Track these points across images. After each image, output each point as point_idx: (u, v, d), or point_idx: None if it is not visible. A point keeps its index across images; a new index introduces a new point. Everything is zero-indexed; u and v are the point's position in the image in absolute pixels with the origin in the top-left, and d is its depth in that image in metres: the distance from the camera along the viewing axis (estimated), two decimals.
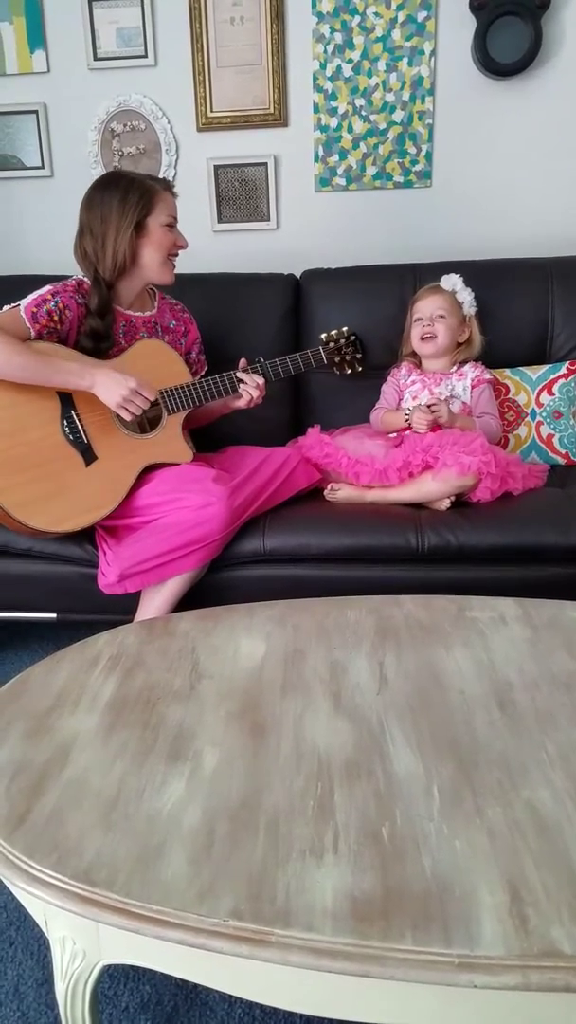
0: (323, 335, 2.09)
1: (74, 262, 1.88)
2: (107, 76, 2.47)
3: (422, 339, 2.12)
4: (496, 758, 1.00)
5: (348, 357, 2.10)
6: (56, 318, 1.76)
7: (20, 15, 2.44)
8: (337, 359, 2.09)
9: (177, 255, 1.91)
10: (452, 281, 2.14)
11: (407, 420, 2.01)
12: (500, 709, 1.11)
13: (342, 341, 2.09)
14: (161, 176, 2.52)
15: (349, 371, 2.12)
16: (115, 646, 1.33)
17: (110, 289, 1.85)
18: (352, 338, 2.10)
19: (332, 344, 2.08)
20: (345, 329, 2.10)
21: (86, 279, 1.86)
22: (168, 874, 0.83)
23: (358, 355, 2.12)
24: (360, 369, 2.13)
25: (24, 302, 1.75)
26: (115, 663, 1.27)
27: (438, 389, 2.12)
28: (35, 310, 1.73)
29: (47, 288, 1.79)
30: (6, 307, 1.75)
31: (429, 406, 1.99)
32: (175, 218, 1.87)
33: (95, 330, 1.82)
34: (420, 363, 2.20)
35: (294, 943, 0.75)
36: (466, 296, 2.14)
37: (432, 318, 2.11)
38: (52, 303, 1.76)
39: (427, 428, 1.97)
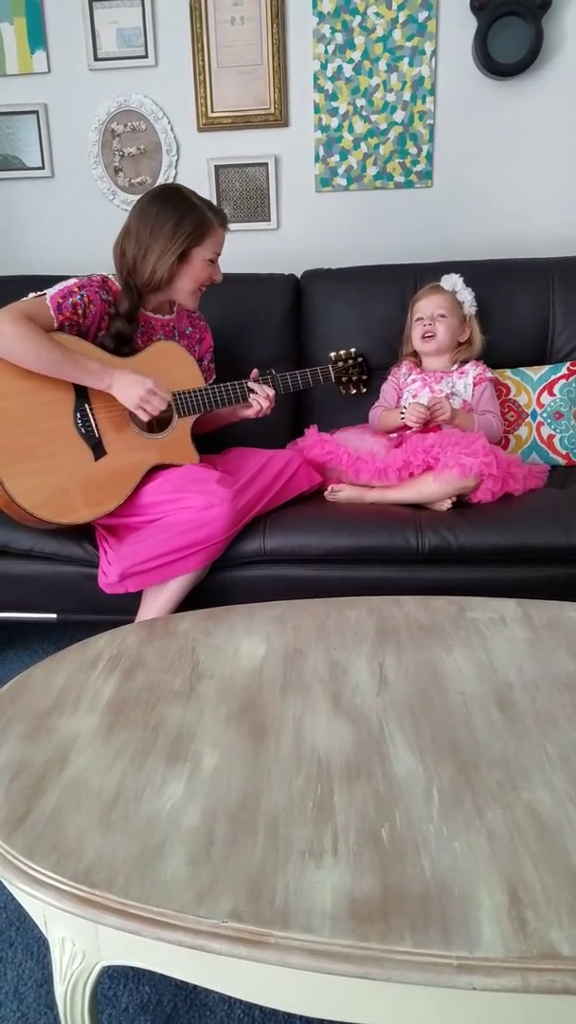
0: (332, 354, 2.10)
1: (76, 261, 1.88)
2: (108, 76, 2.48)
3: (423, 338, 2.12)
4: (496, 759, 1.00)
5: (354, 378, 2.13)
6: (80, 312, 1.76)
7: (21, 15, 2.44)
8: (344, 379, 2.11)
9: (208, 286, 1.92)
10: (453, 281, 2.14)
11: (402, 416, 2.01)
12: (500, 710, 1.11)
13: (350, 362, 2.11)
14: (161, 176, 2.52)
15: (354, 391, 2.15)
16: (115, 646, 1.33)
17: (140, 296, 1.86)
18: (359, 360, 2.12)
19: (341, 364, 2.10)
20: (353, 351, 2.12)
21: (111, 276, 1.86)
22: (167, 875, 0.83)
23: (363, 377, 2.14)
24: (364, 391, 2.15)
25: (50, 292, 1.75)
26: (115, 663, 1.27)
27: (438, 387, 2.12)
28: (61, 301, 1.74)
29: (73, 280, 1.79)
30: (32, 294, 1.75)
31: (430, 407, 1.98)
32: (219, 254, 1.88)
33: (121, 333, 1.82)
34: (421, 362, 2.20)
35: (293, 944, 0.75)
36: (467, 296, 2.14)
37: (433, 317, 2.11)
38: (78, 296, 1.76)
39: (419, 423, 1.96)
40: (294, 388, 2.02)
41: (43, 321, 1.72)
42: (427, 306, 2.13)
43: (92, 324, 1.81)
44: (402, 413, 2.01)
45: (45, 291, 1.75)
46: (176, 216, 1.80)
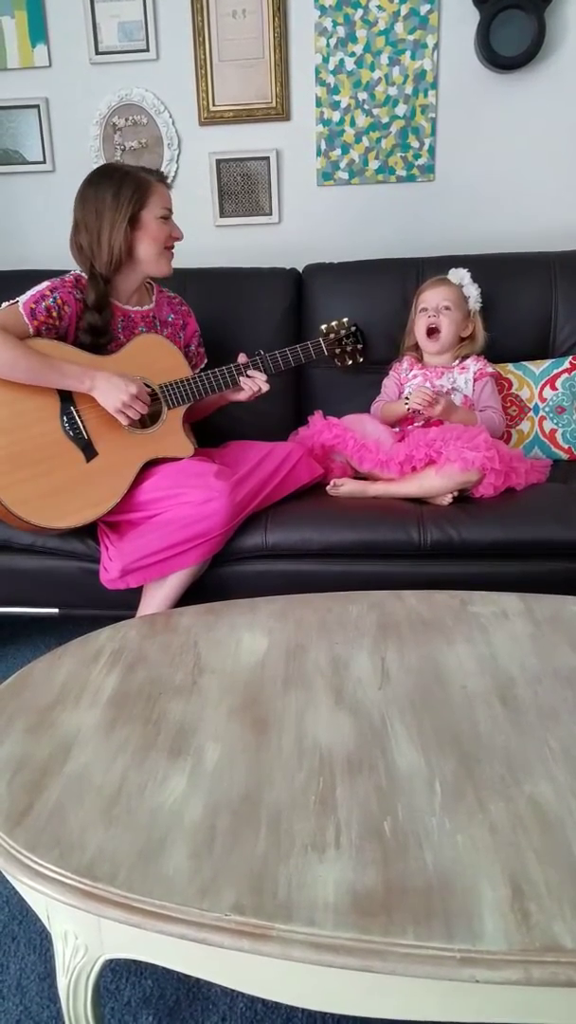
0: (323, 326, 2.08)
1: (73, 258, 1.87)
2: (109, 70, 2.47)
3: (427, 330, 2.11)
4: (498, 753, 1.00)
5: (349, 348, 2.09)
6: (55, 314, 1.76)
7: (22, 9, 2.43)
8: (337, 350, 2.08)
9: (173, 246, 1.90)
10: (460, 275, 2.13)
11: (407, 404, 2.00)
12: (502, 704, 1.11)
13: (342, 332, 2.08)
14: (163, 169, 2.51)
15: (350, 362, 2.11)
16: (117, 641, 1.33)
17: (107, 284, 1.84)
18: (353, 329, 2.09)
19: (332, 335, 2.06)
20: (346, 320, 2.09)
21: (84, 274, 1.85)
22: (170, 869, 0.83)
23: (359, 346, 2.10)
24: (361, 360, 2.12)
25: (22, 299, 1.75)
26: (117, 658, 1.27)
27: (440, 382, 2.11)
28: (33, 306, 1.73)
29: (45, 284, 1.79)
30: (5, 304, 1.75)
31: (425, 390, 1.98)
32: (170, 210, 1.87)
33: (93, 325, 1.82)
34: (422, 357, 2.19)
35: (295, 938, 0.75)
36: (472, 291, 2.13)
37: (438, 309, 2.10)
38: (51, 299, 1.76)
39: (425, 404, 1.95)
40: (284, 367, 1.99)
41: (18, 329, 1.71)
42: (433, 297, 2.11)
43: (70, 325, 1.80)
44: (406, 401, 2.01)
45: (17, 299, 1.75)
46: (113, 187, 1.79)
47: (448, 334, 2.10)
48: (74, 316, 1.80)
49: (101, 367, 1.78)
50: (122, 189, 1.79)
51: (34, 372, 1.71)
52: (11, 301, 1.75)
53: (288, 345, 2.04)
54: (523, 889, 0.79)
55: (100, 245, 1.81)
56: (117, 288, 1.88)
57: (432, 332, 2.10)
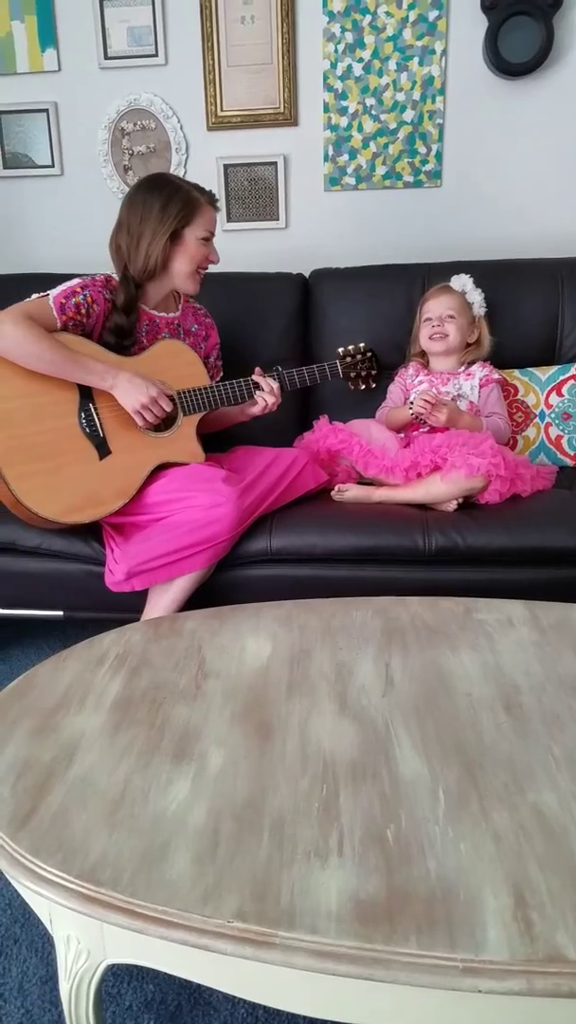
0: (340, 349, 2.08)
1: (86, 259, 1.89)
2: (118, 75, 2.48)
3: (431, 339, 2.12)
4: (502, 761, 1.00)
5: (364, 373, 2.10)
6: (83, 311, 1.77)
7: (32, 14, 2.44)
8: (352, 374, 2.09)
9: (207, 268, 1.92)
10: (462, 281, 2.14)
11: (411, 410, 2.00)
12: (507, 712, 1.10)
13: (359, 356, 2.09)
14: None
15: (363, 387, 2.12)
16: (121, 645, 1.33)
17: (138, 288, 1.86)
18: (369, 355, 2.10)
19: (349, 359, 2.08)
20: (362, 345, 2.10)
21: (114, 275, 1.87)
22: (173, 874, 0.83)
23: (373, 372, 2.12)
24: (374, 386, 2.13)
25: (53, 292, 1.76)
26: (121, 662, 1.27)
27: (445, 388, 2.11)
28: (64, 301, 1.75)
29: (76, 281, 1.80)
30: (35, 295, 1.76)
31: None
32: (212, 233, 1.88)
33: (120, 326, 1.83)
34: (428, 363, 2.19)
35: (298, 945, 0.75)
36: (476, 297, 2.13)
37: (442, 318, 2.10)
38: (81, 296, 1.77)
39: (427, 409, 1.95)
40: (301, 385, 2.01)
41: (46, 322, 1.72)
42: (436, 307, 2.12)
43: (96, 324, 1.81)
44: (410, 406, 2.01)
45: (48, 292, 1.76)
46: (163, 199, 1.80)
47: (453, 339, 2.10)
48: (101, 315, 1.81)
49: (124, 367, 1.79)
50: (171, 203, 1.80)
51: (58, 365, 1.72)
52: (42, 293, 1.76)
53: (294, 349, 2.05)
54: (526, 898, 0.78)
55: (138, 250, 1.82)
56: (146, 293, 1.89)
57: (437, 339, 2.11)
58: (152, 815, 0.92)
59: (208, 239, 1.87)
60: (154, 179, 1.88)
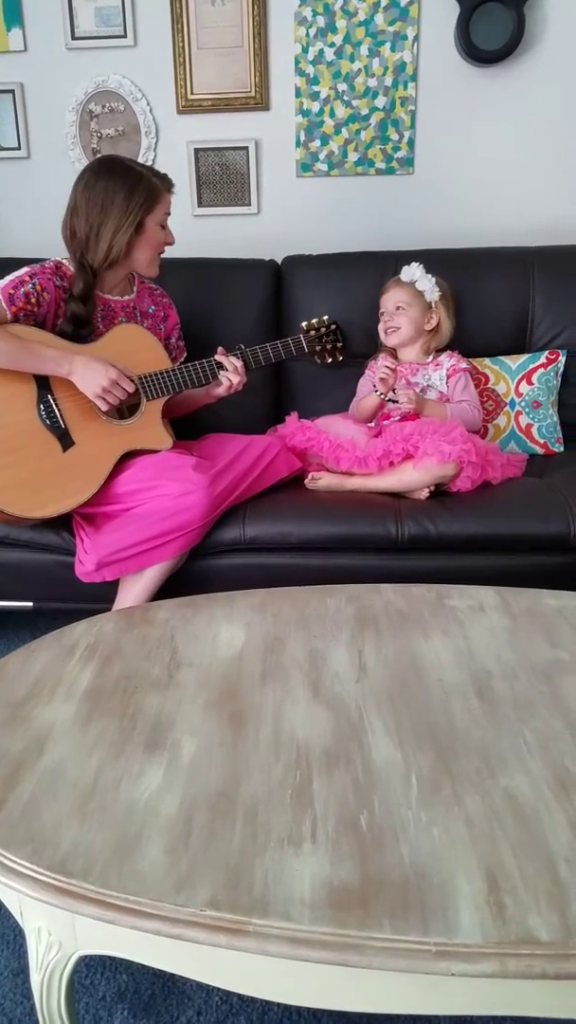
0: (304, 323, 2.07)
1: (53, 243, 1.85)
2: (85, 56, 2.43)
3: (386, 333, 2.14)
4: (474, 746, 1.00)
5: (328, 346, 2.09)
6: (33, 300, 1.73)
7: None
8: (318, 347, 2.07)
9: (164, 250, 1.90)
10: (411, 272, 2.13)
11: (375, 392, 2.03)
12: (479, 697, 1.11)
13: (323, 330, 2.07)
14: (140, 159, 2.49)
15: (330, 360, 2.11)
16: (92, 635, 1.32)
17: (95, 276, 1.82)
18: (333, 327, 2.09)
19: (313, 332, 2.06)
20: (326, 318, 2.09)
21: (64, 262, 1.83)
22: (145, 864, 0.82)
23: (339, 344, 2.11)
24: (340, 359, 2.12)
25: (0, 283, 1.72)
26: (92, 652, 1.26)
27: (414, 379, 2.12)
28: (12, 292, 1.71)
29: (25, 270, 1.76)
30: None
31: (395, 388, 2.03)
32: (168, 214, 1.86)
33: (77, 315, 1.80)
34: (396, 354, 2.20)
35: (272, 933, 0.75)
36: (426, 284, 2.12)
37: (392, 312, 2.12)
38: (30, 285, 1.73)
39: (388, 386, 2.00)
40: (265, 362, 1.98)
41: None
42: (387, 300, 2.14)
43: (48, 312, 1.78)
44: (375, 390, 2.03)
45: None
46: (125, 188, 1.77)
47: (406, 331, 2.11)
48: (53, 303, 1.78)
49: (80, 352, 1.76)
50: (135, 192, 1.77)
51: (11, 356, 1.68)
52: None
53: (266, 337, 2.03)
54: (499, 882, 0.79)
55: (99, 240, 1.78)
56: (103, 280, 1.86)
57: (391, 332, 2.13)
58: (124, 805, 0.91)
59: (165, 223, 1.85)
60: (111, 164, 1.82)
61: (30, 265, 1.79)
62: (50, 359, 1.72)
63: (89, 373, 1.72)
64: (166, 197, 1.83)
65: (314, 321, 2.07)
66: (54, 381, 1.76)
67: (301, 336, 2.04)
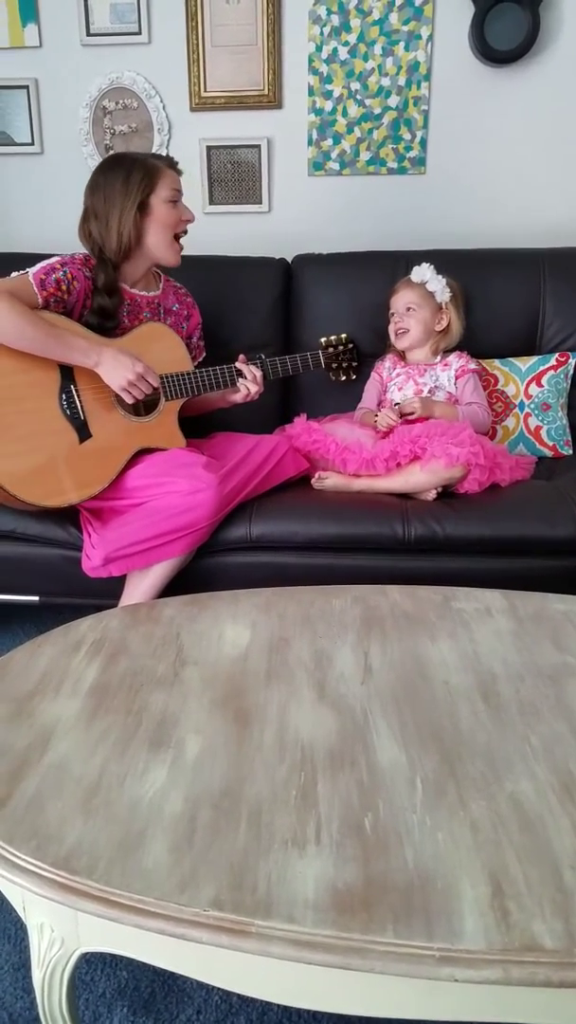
0: (323, 339, 2.08)
1: (65, 239, 1.86)
2: (100, 52, 2.43)
3: (396, 334, 2.13)
4: (480, 750, 1.00)
5: (344, 364, 2.12)
6: (64, 288, 1.74)
7: None
8: (334, 365, 2.10)
9: (185, 232, 1.89)
10: (422, 272, 2.13)
11: (375, 421, 2.03)
12: (484, 701, 1.11)
13: (340, 348, 2.10)
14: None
15: (344, 378, 2.14)
16: (98, 631, 1.32)
17: (116, 270, 1.83)
18: (351, 346, 2.11)
19: (331, 349, 2.08)
20: (344, 336, 2.11)
21: (92, 257, 1.84)
22: (149, 862, 0.82)
23: (354, 363, 2.12)
24: (355, 377, 2.14)
25: (33, 269, 1.73)
26: (98, 648, 1.26)
27: (422, 380, 2.12)
28: (44, 277, 1.72)
29: (56, 258, 1.77)
30: (15, 273, 1.73)
31: (398, 404, 2.02)
32: (179, 192, 1.85)
33: (103, 308, 1.80)
34: (404, 355, 2.19)
35: (274, 934, 0.75)
36: (437, 285, 2.12)
37: (403, 313, 2.11)
38: (61, 272, 1.74)
39: (387, 427, 2.00)
40: (283, 374, 2.01)
41: (27, 298, 1.69)
42: (397, 301, 2.14)
43: (77, 302, 1.78)
44: (375, 417, 2.04)
45: (27, 269, 1.73)
46: (123, 174, 1.79)
47: (416, 332, 2.11)
48: (82, 293, 1.78)
49: (108, 344, 1.76)
50: (131, 175, 1.78)
51: (40, 342, 1.68)
52: (21, 271, 1.73)
53: (276, 335, 2.03)
54: (503, 888, 0.79)
55: (109, 231, 1.79)
56: (125, 273, 1.87)
57: (401, 334, 2.13)
58: (128, 803, 0.91)
59: (176, 200, 1.84)
60: (110, 160, 1.86)
61: (60, 255, 1.80)
62: (78, 349, 1.72)
63: (117, 365, 1.73)
64: (167, 174, 1.83)
65: (332, 338, 2.09)
66: (78, 373, 1.76)
67: (320, 352, 2.06)
